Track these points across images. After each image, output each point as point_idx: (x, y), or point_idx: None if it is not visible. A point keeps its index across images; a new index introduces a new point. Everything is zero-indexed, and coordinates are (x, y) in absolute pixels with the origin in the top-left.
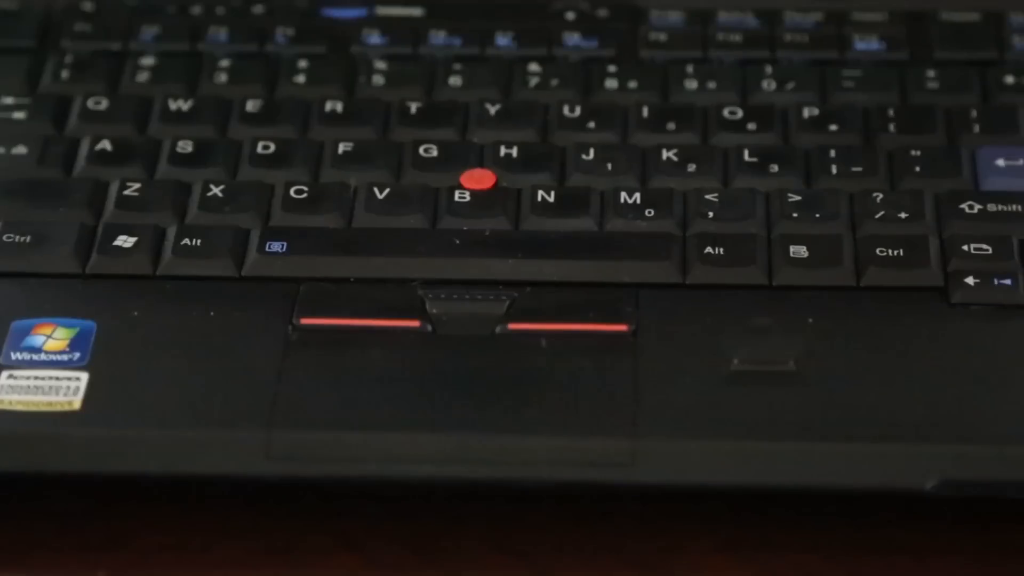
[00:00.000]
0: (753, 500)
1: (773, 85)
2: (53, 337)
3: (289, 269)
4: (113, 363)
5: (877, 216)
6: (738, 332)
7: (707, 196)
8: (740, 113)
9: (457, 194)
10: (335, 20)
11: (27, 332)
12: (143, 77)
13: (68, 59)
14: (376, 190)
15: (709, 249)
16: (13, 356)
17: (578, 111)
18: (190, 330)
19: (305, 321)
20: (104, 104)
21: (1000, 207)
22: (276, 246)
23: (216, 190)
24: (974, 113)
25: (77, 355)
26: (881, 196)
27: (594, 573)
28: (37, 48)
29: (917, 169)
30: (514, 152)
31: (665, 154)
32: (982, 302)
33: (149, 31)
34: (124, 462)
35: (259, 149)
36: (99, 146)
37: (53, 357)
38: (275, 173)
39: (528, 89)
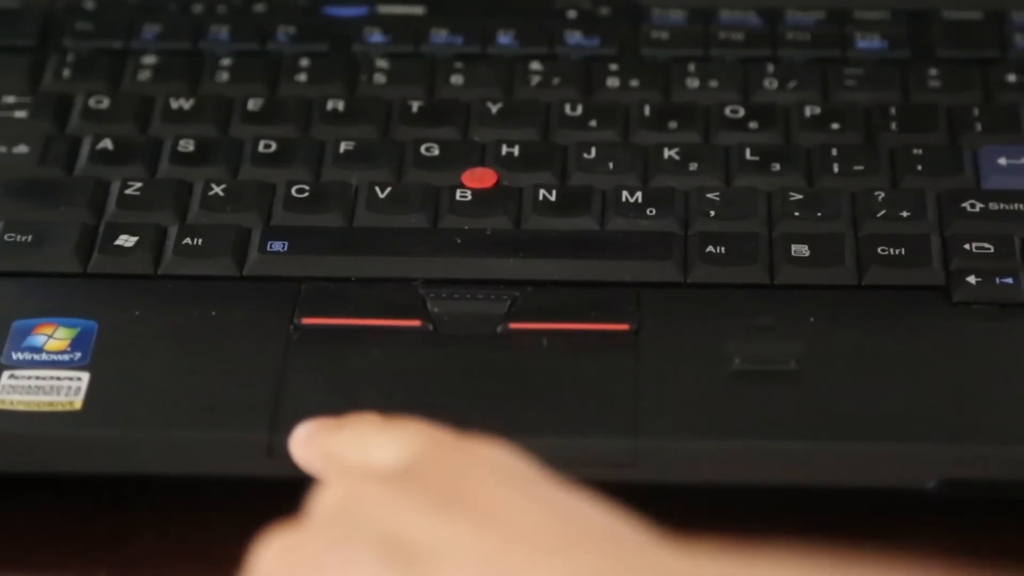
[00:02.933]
0: (754, 499)
1: (775, 84)
2: (54, 337)
3: (290, 268)
4: (114, 363)
5: (879, 215)
6: (739, 331)
7: (708, 195)
8: (742, 112)
9: (458, 193)
10: (336, 19)
11: (28, 332)
12: (144, 76)
13: (69, 58)
14: (377, 189)
15: (710, 248)
16: (14, 356)
17: (579, 110)
18: (191, 330)
19: (306, 321)
20: (105, 103)
21: (1002, 206)
22: (277, 245)
23: (217, 189)
24: (976, 112)
25: (78, 355)
26: (883, 195)
27: None
28: (38, 47)
29: (919, 168)
30: (515, 151)
31: (666, 153)
32: (984, 301)
33: (150, 30)
34: (125, 462)
35: (260, 148)
36: (100, 145)
37: (54, 357)
38: (276, 172)
39: (529, 88)
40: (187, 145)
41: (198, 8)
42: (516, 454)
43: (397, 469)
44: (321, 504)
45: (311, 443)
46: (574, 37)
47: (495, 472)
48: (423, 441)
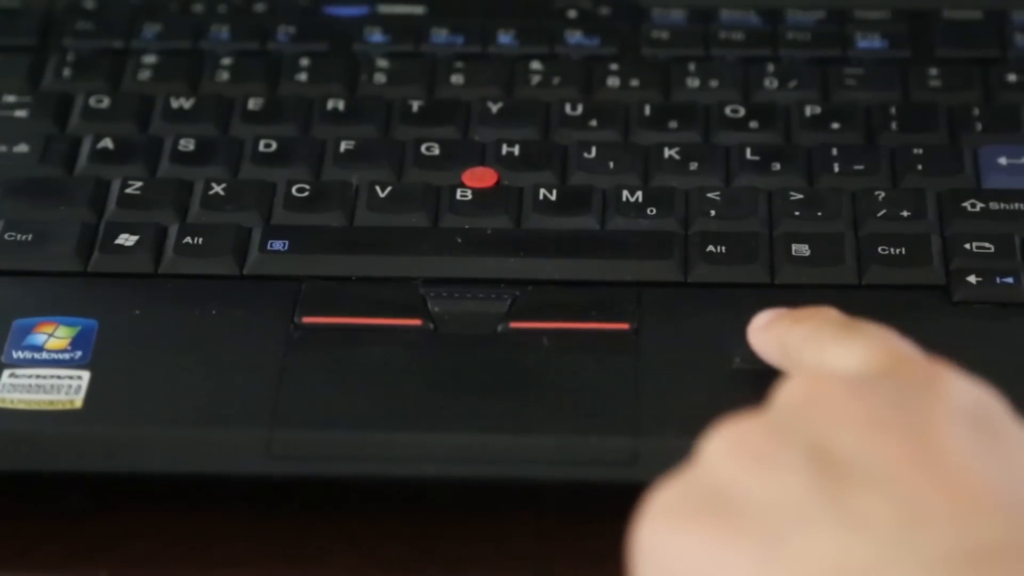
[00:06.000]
0: None
1: (775, 83)
2: (55, 336)
3: (291, 267)
4: (115, 362)
5: (879, 214)
6: (740, 331)
7: (709, 194)
8: (742, 111)
9: (459, 192)
10: (337, 18)
11: (29, 331)
12: (145, 75)
13: (70, 57)
14: (378, 188)
15: (711, 247)
16: (15, 355)
17: (580, 109)
18: (192, 329)
19: (307, 320)
20: (106, 102)
21: (1002, 205)
22: (278, 244)
23: (218, 188)
24: (976, 111)
25: (79, 354)
26: (883, 194)
27: (594, 572)
28: (39, 46)
29: (919, 167)
30: (516, 150)
31: (667, 152)
32: (984, 300)
33: (151, 29)
34: (126, 461)
35: (261, 147)
36: (101, 144)
37: (55, 356)
38: (277, 171)
39: (530, 87)
40: (187, 144)
41: (198, 8)
42: (989, 394)
43: (857, 376)
44: (779, 399)
45: (768, 331)
46: (574, 37)
47: (956, 409)
48: (886, 355)
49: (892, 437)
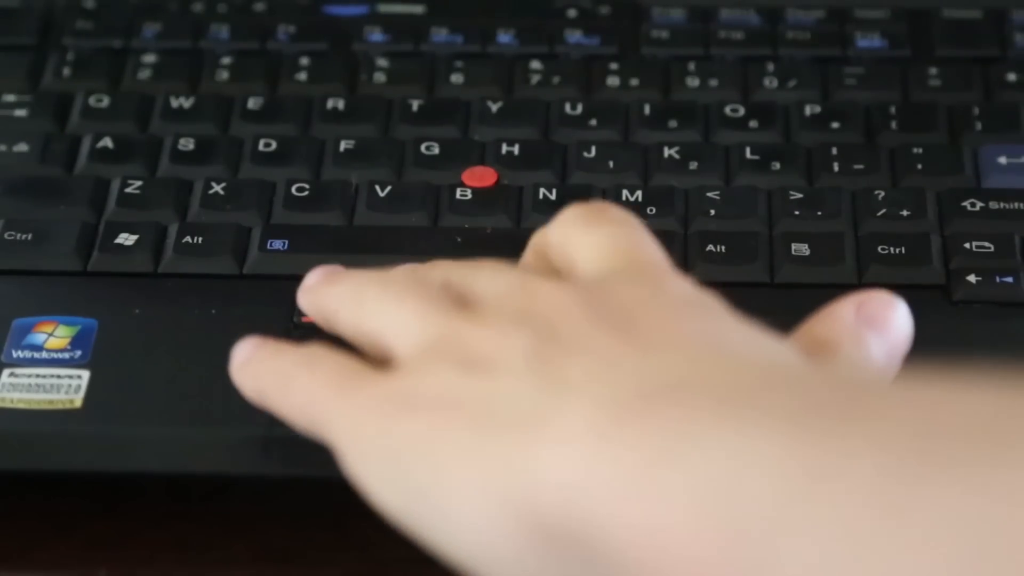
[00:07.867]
0: None
1: (775, 83)
2: (54, 335)
3: (291, 267)
4: (114, 361)
5: (879, 214)
6: None
7: (709, 194)
8: (742, 111)
9: (459, 192)
10: (337, 17)
11: (28, 330)
12: (145, 74)
13: (70, 56)
14: (377, 188)
15: (711, 247)
16: (15, 354)
17: (580, 109)
18: (191, 328)
19: (307, 319)
20: (106, 102)
21: (1002, 205)
22: (277, 244)
23: (217, 188)
24: (976, 111)
25: (78, 353)
26: (883, 194)
27: None
28: (39, 45)
29: (919, 167)
30: (516, 150)
31: (667, 152)
32: (984, 300)
33: (151, 28)
34: (125, 460)
35: (260, 147)
36: (100, 144)
37: (54, 355)
38: (276, 171)
39: (530, 87)
40: (187, 144)
41: (198, 7)
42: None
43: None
44: (494, 294)
45: (311, 295)
46: (574, 36)
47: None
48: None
49: (604, 322)
